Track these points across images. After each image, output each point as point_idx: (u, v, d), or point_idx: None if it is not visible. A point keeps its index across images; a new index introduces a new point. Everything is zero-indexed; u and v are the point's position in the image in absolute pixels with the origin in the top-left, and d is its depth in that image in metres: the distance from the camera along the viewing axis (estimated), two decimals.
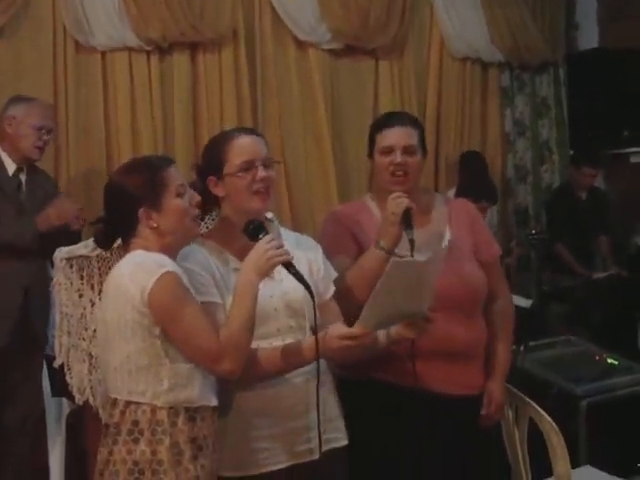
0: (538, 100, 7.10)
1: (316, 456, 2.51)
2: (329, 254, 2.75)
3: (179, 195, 2.38)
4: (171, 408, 2.28)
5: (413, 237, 2.66)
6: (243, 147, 2.50)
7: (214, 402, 2.37)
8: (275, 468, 2.48)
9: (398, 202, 2.69)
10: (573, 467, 3.55)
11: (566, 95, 7.23)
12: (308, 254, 2.64)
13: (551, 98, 7.15)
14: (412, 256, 2.60)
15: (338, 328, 2.41)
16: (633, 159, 7.41)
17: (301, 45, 5.61)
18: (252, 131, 2.63)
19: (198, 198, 2.43)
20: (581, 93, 7.16)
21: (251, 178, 2.47)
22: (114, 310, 2.29)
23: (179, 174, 2.42)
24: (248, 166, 2.48)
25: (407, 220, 2.69)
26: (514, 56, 6.72)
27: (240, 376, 2.33)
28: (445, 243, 2.68)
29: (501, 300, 3.09)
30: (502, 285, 3.13)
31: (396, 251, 2.69)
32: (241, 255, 2.43)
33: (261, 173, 2.48)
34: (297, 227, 5.30)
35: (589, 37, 7.62)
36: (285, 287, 2.50)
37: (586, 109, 7.12)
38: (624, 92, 7.12)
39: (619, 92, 7.08)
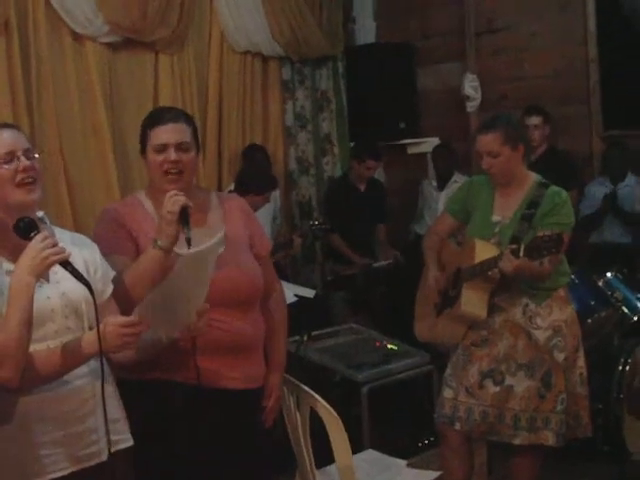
0: (318, 94, 7.24)
1: (102, 459, 2.48)
2: (105, 253, 2.70)
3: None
4: None
5: (190, 236, 2.66)
6: (3, 139, 2.44)
7: None
8: (59, 475, 2.41)
9: (174, 200, 2.68)
10: (357, 452, 3.68)
11: (345, 89, 7.40)
12: (84, 253, 2.57)
13: (331, 92, 7.29)
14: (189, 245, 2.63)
15: (115, 318, 2.39)
16: (410, 150, 7.72)
17: (78, 38, 5.42)
18: (10, 125, 2.57)
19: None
20: (359, 87, 7.36)
21: (14, 169, 2.40)
22: None
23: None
24: (10, 157, 2.41)
25: (184, 218, 2.68)
26: (294, 50, 6.80)
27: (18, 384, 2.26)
28: (221, 235, 2.67)
29: (275, 294, 3.17)
30: (274, 279, 3.20)
31: (175, 249, 2.69)
32: (14, 256, 2.35)
33: (24, 162, 2.42)
34: (78, 225, 5.18)
35: (367, 32, 7.86)
36: (63, 287, 2.44)
37: (364, 102, 7.34)
38: (400, 86, 7.40)
39: (395, 86, 7.35)
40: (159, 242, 2.66)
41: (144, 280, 2.61)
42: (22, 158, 2.42)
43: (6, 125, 2.55)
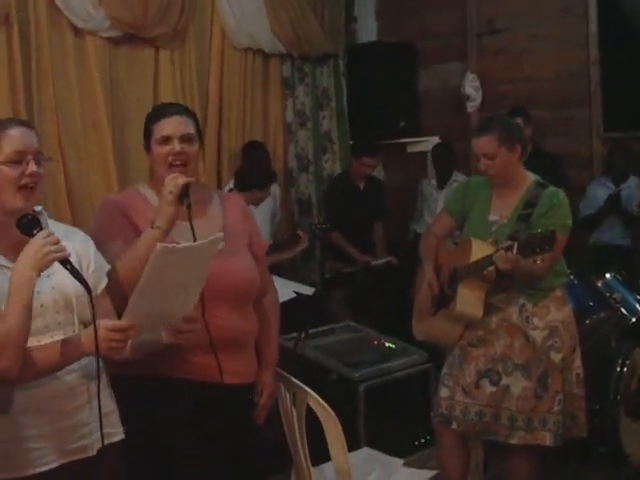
0: (319, 91, 7.24)
1: (92, 452, 2.47)
2: (103, 241, 2.70)
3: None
4: None
5: (190, 202, 2.67)
6: (15, 137, 2.40)
7: None
8: (47, 468, 2.40)
9: (175, 181, 2.68)
10: (353, 450, 3.67)
11: (346, 87, 7.41)
12: (77, 247, 2.55)
13: (331, 89, 7.31)
14: (191, 219, 2.66)
15: (106, 321, 2.38)
16: (409, 149, 7.72)
17: (79, 32, 5.41)
18: (25, 123, 2.53)
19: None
20: (360, 85, 7.37)
21: (21, 172, 2.38)
22: None
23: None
24: (19, 158, 2.38)
25: (185, 194, 2.68)
26: (295, 47, 6.81)
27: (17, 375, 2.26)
28: (220, 234, 2.68)
29: (269, 292, 3.18)
30: (269, 279, 3.22)
31: (175, 240, 2.68)
32: (9, 252, 2.35)
33: (32, 167, 2.39)
34: (76, 218, 5.18)
35: (368, 31, 7.86)
36: (53, 282, 2.42)
37: (365, 101, 7.34)
38: (400, 85, 7.40)
39: (396, 85, 7.35)
40: (158, 222, 2.67)
41: (142, 262, 2.49)
42: (31, 163, 2.40)
43: (21, 122, 2.51)
